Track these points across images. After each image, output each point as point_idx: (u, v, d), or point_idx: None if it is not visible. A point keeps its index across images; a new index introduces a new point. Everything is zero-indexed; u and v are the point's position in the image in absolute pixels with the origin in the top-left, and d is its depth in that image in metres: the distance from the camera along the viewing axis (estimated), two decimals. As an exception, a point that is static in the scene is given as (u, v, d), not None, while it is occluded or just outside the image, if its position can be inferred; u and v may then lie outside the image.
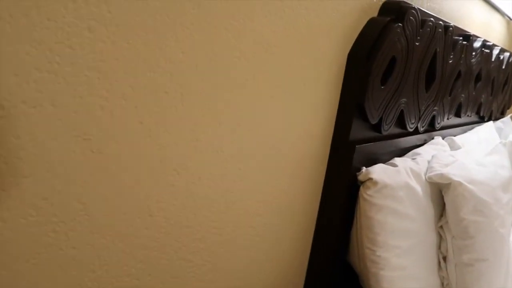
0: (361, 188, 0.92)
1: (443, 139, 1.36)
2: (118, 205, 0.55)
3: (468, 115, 1.64)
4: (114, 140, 0.52)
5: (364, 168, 0.94)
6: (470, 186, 0.99)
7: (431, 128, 1.33)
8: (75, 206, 0.51)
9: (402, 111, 1.07)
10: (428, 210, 1.02)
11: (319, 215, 1.00)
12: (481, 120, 1.88)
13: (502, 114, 2.15)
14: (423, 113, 1.20)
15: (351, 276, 1.05)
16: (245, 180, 0.75)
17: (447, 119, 1.42)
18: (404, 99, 1.06)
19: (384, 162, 1.04)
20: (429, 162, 1.10)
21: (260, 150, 0.76)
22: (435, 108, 1.27)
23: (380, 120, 0.99)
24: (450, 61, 1.25)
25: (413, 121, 1.15)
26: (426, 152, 1.16)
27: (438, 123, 1.34)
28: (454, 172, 1.02)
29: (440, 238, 1.06)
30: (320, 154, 0.93)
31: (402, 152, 1.17)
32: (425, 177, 1.03)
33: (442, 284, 1.06)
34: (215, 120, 0.65)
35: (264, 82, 0.71)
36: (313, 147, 0.90)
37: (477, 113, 1.77)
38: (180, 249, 0.66)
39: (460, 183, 0.98)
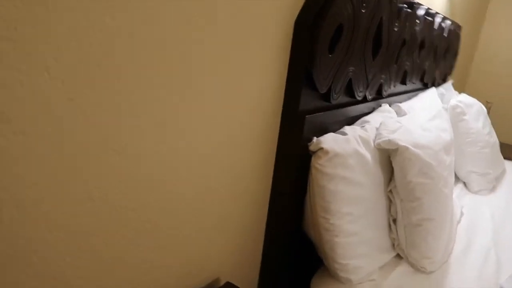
0: (313, 158, 0.92)
1: (390, 106, 1.39)
2: (53, 192, 0.50)
3: (413, 83, 1.69)
4: (40, 120, 0.47)
5: (314, 138, 0.94)
6: (415, 150, 1.02)
7: (379, 96, 1.35)
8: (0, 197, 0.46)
9: (350, 80, 1.07)
10: (377, 176, 1.05)
11: (273, 187, 1.00)
12: (425, 86, 1.95)
13: (443, 81, 2.24)
14: (370, 81, 1.21)
15: (307, 245, 1.07)
16: (194, 155, 0.72)
17: (393, 86, 1.45)
18: (352, 68, 1.06)
19: (334, 131, 1.04)
20: (377, 129, 1.12)
21: (209, 123, 0.73)
22: (382, 76, 1.29)
23: (329, 89, 0.99)
24: (396, 29, 1.27)
25: (361, 90, 1.17)
26: (374, 119, 1.18)
27: (385, 91, 1.37)
28: (401, 138, 1.04)
29: (390, 202, 1.10)
30: (270, 126, 0.92)
31: (351, 121, 1.18)
32: (374, 144, 1.05)
33: (393, 245, 1.10)
34: (157, 95, 0.60)
35: (208, 54, 0.67)
36: (263, 119, 0.88)
37: (421, 80, 1.83)
38: (127, 234, 0.63)
39: (406, 148, 1.01)
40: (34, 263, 0.51)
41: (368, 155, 1.01)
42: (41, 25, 0.44)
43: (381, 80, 1.29)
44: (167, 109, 0.63)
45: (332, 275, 0.98)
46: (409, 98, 1.68)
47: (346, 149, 0.93)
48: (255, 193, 0.94)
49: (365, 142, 1.02)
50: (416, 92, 1.79)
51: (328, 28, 0.88)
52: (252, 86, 0.81)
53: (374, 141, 1.06)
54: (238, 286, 0.86)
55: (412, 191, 1.02)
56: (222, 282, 0.90)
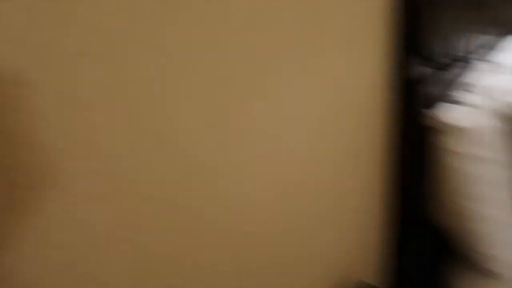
0: (440, 136, 0.78)
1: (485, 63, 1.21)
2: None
3: (494, 34, 1.49)
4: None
5: (436, 112, 0.79)
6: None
7: (470, 53, 1.18)
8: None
9: (450, 39, 0.92)
10: (509, 151, 0.88)
11: (393, 173, 0.85)
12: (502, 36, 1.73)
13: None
14: (467, 38, 1.05)
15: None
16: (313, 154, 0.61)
17: (482, 40, 1.27)
18: (451, 25, 0.90)
19: (445, 101, 0.89)
20: (490, 93, 0.95)
21: (324, 105, 0.62)
22: (473, 30, 1.12)
23: (435, 52, 0.84)
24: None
25: (459, 48, 1.01)
26: (480, 81, 1.01)
27: (476, 47, 1.20)
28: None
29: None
30: (379, 101, 0.78)
31: (456, 86, 1.02)
32: (499, 113, 0.89)
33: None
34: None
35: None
36: (371, 95, 0.75)
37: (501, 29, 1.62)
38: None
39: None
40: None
41: (497, 128, 0.85)
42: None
43: (473, 35, 1.12)
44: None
45: (479, 270, 0.83)
46: (496, 52, 1.48)
47: (476, 122, 0.78)
48: (369, 180, 0.81)
49: (489, 111, 0.86)
50: (498, 44, 1.58)
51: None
52: (358, 69, 0.69)
53: (497, 110, 0.89)
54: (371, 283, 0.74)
55: None
56: (353, 281, 0.79)
